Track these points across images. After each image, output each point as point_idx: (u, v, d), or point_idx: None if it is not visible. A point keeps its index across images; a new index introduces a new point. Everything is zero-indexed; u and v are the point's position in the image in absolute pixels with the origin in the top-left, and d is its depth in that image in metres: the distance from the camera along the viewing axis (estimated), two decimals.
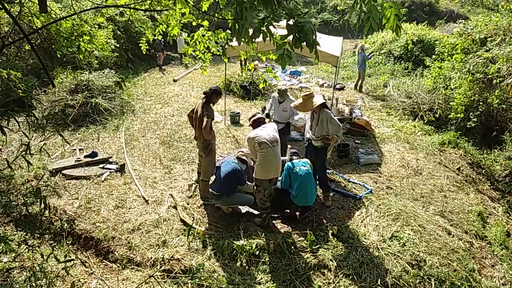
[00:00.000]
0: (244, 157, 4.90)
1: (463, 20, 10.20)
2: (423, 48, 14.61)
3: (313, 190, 4.82)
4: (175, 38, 4.57)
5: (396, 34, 2.61)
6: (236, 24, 2.77)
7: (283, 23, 2.92)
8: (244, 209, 5.10)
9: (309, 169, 4.79)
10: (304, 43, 2.67)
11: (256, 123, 4.73)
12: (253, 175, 4.57)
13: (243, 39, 2.88)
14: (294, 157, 5.13)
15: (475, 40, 8.73)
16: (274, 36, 2.87)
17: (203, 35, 4.41)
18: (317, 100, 4.96)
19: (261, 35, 2.77)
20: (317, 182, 5.20)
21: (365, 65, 11.84)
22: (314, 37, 2.65)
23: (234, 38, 2.94)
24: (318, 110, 4.98)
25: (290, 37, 2.71)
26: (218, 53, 4.61)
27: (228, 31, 4.27)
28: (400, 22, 2.55)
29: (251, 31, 2.84)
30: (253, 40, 2.89)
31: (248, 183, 5.01)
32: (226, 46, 4.39)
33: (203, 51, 4.58)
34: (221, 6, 3.84)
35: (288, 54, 2.76)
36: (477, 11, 20.51)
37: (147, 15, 14.16)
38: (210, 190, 4.94)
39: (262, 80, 5.02)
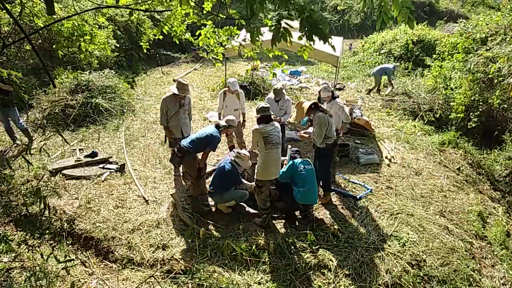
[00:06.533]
0: (238, 160, 4.91)
1: (464, 20, 10.21)
2: (423, 48, 14.65)
3: (316, 189, 4.89)
4: (179, 38, 4.59)
5: (409, 26, 2.51)
6: (247, 23, 2.77)
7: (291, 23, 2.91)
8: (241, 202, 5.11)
9: (312, 168, 4.87)
10: (317, 38, 2.66)
11: (262, 119, 4.49)
12: (255, 176, 4.57)
13: (258, 37, 2.86)
14: (296, 155, 5.14)
15: (476, 40, 8.75)
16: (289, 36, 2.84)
17: (214, 31, 4.45)
18: (305, 104, 5.02)
19: (282, 38, 2.73)
20: (320, 183, 5.23)
21: (380, 76, 11.43)
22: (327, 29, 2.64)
23: (242, 36, 2.94)
24: (313, 113, 4.98)
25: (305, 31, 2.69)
26: (234, 47, 4.64)
27: (236, 28, 4.30)
28: (412, 14, 2.49)
29: (265, 29, 2.82)
30: (276, 43, 2.81)
31: (245, 181, 5.04)
32: (234, 44, 4.43)
33: (214, 46, 4.63)
34: (226, 5, 3.84)
35: (310, 45, 2.75)
36: (477, 11, 20.52)
37: (147, 15, 14.16)
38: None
39: (272, 72, 5.09)
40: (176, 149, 4.86)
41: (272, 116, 5.96)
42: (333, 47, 3.02)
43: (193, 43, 4.65)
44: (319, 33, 2.60)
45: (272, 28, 2.71)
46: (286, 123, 6.56)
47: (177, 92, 5.30)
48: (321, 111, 4.94)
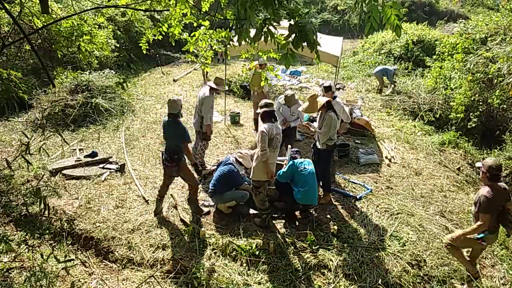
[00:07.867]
0: (241, 160, 4.92)
1: (463, 20, 10.20)
2: (423, 48, 14.62)
3: (316, 190, 4.90)
4: (176, 38, 4.57)
5: (397, 34, 2.62)
6: (238, 24, 2.78)
7: (283, 23, 2.92)
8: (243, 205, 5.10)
9: (313, 168, 4.86)
10: (305, 43, 2.68)
11: (267, 115, 4.42)
12: (251, 177, 4.55)
13: (246, 39, 2.89)
14: (296, 155, 5.13)
15: (476, 40, 8.74)
16: (276, 37, 2.87)
17: (205, 34, 4.43)
18: (321, 100, 4.97)
19: (263, 36, 2.77)
20: (320, 183, 5.22)
21: (381, 76, 11.48)
22: (314, 37, 2.66)
23: (235, 38, 2.96)
24: (324, 111, 4.96)
25: (292, 37, 2.72)
26: (220, 50, 4.62)
27: (229, 30, 4.29)
28: (400, 22, 2.56)
29: (253, 31, 2.85)
30: (255, 41, 2.89)
31: (246, 182, 5.03)
32: (228, 45, 4.39)
33: (205, 49, 4.61)
34: (222, 6, 3.85)
35: (292, 53, 2.76)
36: (477, 11, 20.51)
37: (147, 15, 14.14)
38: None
39: (264, 78, 5.02)
40: (166, 161, 4.69)
41: (283, 121, 5.92)
42: (318, 56, 3.05)
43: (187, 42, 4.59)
44: (307, 40, 2.61)
45: (257, 29, 2.74)
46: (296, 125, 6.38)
47: (215, 87, 5.56)
48: (334, 111, 4.96)
